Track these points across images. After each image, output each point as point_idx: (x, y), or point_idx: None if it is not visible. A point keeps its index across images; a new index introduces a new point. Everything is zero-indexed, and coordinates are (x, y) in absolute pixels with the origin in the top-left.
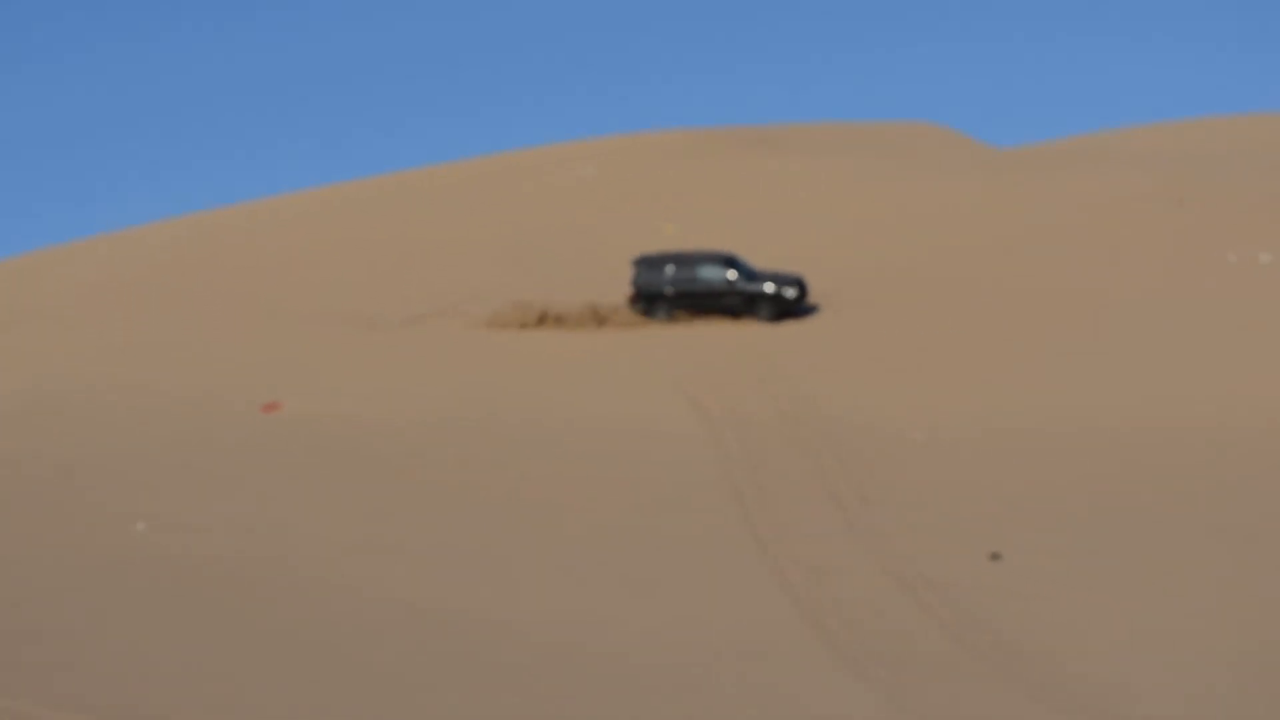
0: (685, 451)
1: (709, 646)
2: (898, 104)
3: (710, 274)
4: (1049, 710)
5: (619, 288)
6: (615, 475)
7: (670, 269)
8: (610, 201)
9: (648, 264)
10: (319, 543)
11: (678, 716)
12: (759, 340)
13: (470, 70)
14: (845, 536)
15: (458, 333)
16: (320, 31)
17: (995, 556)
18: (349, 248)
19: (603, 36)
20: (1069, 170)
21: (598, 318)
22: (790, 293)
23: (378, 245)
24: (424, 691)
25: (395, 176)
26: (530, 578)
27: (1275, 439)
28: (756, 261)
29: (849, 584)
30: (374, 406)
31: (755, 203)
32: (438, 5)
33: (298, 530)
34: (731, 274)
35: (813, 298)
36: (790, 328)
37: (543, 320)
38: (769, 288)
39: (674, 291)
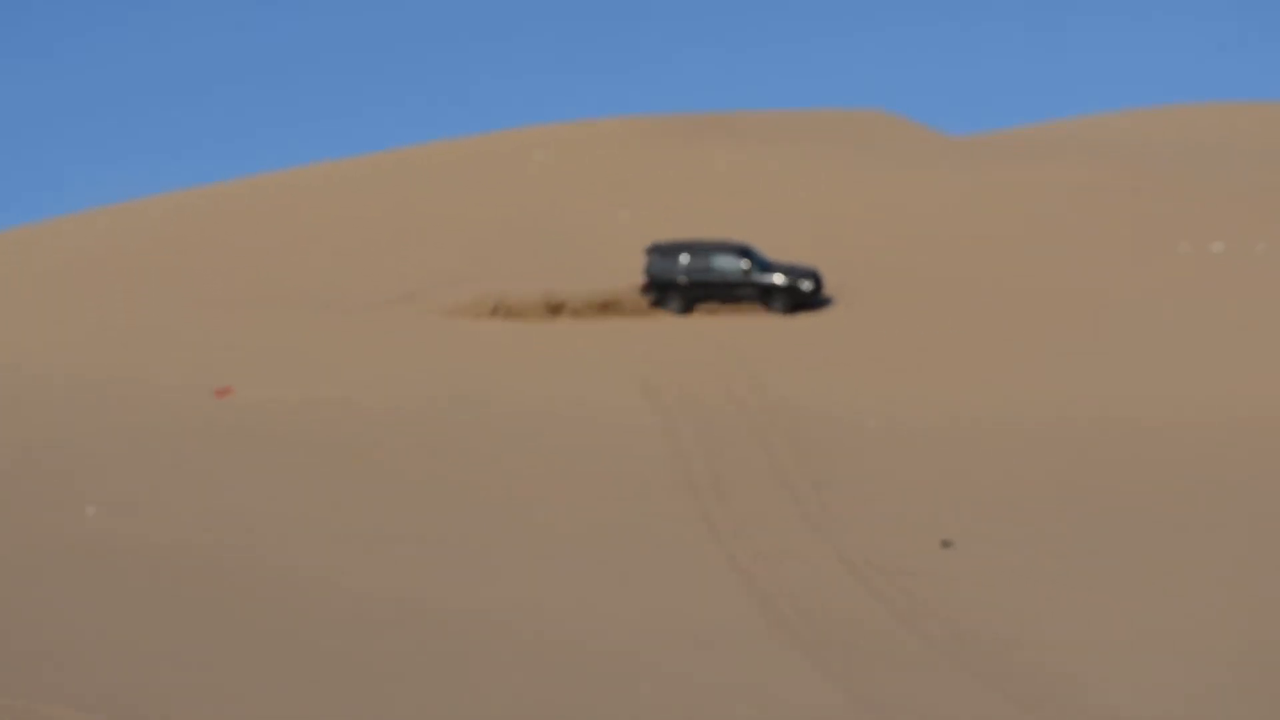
0: (642, 441)
1: (665, 634)
2: (847, 91)
3: (725, 264)
4: (1001, 697)
5: (575, 275)
6: (571, 465)
7: (685, 258)
8: (565, 188)
9: (661, 252)
10: (283, 530)
11: (633, 704)
12: (717, 331)
13: (428, 56)
14: (801, 525)
15: (416, 320)
16: (282, 20)
17: (947, 544)
18: (306, 233)
19: (559, 24)
20: (1027, 160)
21: (551, 307)
22: (806, 285)
23: (334, 231)
24: (383, 679)
25: (351, 162)
26: (485, 567)
27: (1231, 432)
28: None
29: (804, 572)
30: (331, 392)
31: (711, 190)
32: None
33: (261, 517)
34: (746, 264)
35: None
36: (747, 318)
37: (496, 311)
38: (784, 280)
39: (687, 281)
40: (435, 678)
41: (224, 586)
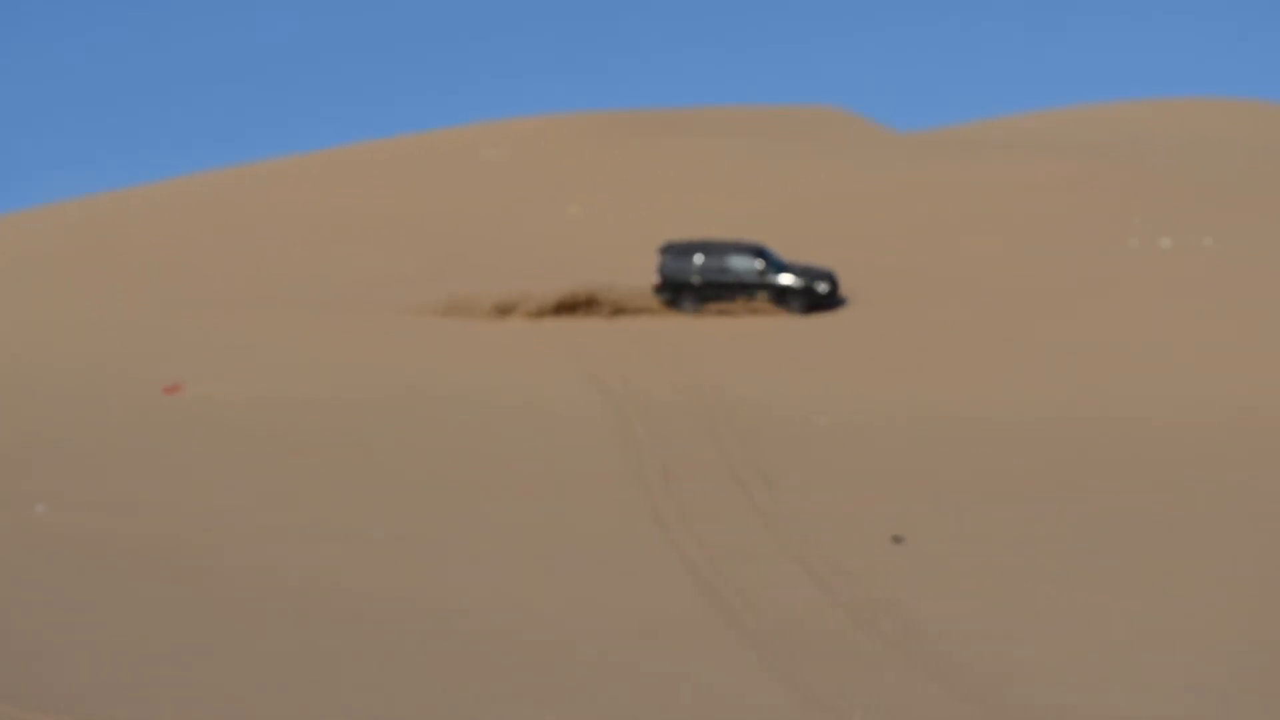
0: (591, 435)
1: (612, 628)
2: (800, 89)
3: (740, 264)
4: (950, 693)
5: (527, 271)
6: (521, 458)
7: (699, 258)
8: (517, 185)
9: (675, 252)
10: (222, 523)
11: (581, 697)
12: (669, 327)
13: (382, 52)
14: (749, 519)
15: (365, 316)
16: (236, 17)
17: (897, 539)
18: (254, 230)
19: (513, 19)
20: (976, 156)
21: (503, 308)
22: (822, 287)
23: (284, 228)
24: (327, 672)
25: (301, 158)
26: (436, 558)
27: (1169, 430)
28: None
29: (752, 566)
30: (280, 387)
31: (663, 185)
32: None
33: (212, 511)
34: (761, 265)
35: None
36: (703, 319)
37: (452, 309)
38: (800, 281)
39: (701, 281)
40: (385, 670)
41: (166, 579)
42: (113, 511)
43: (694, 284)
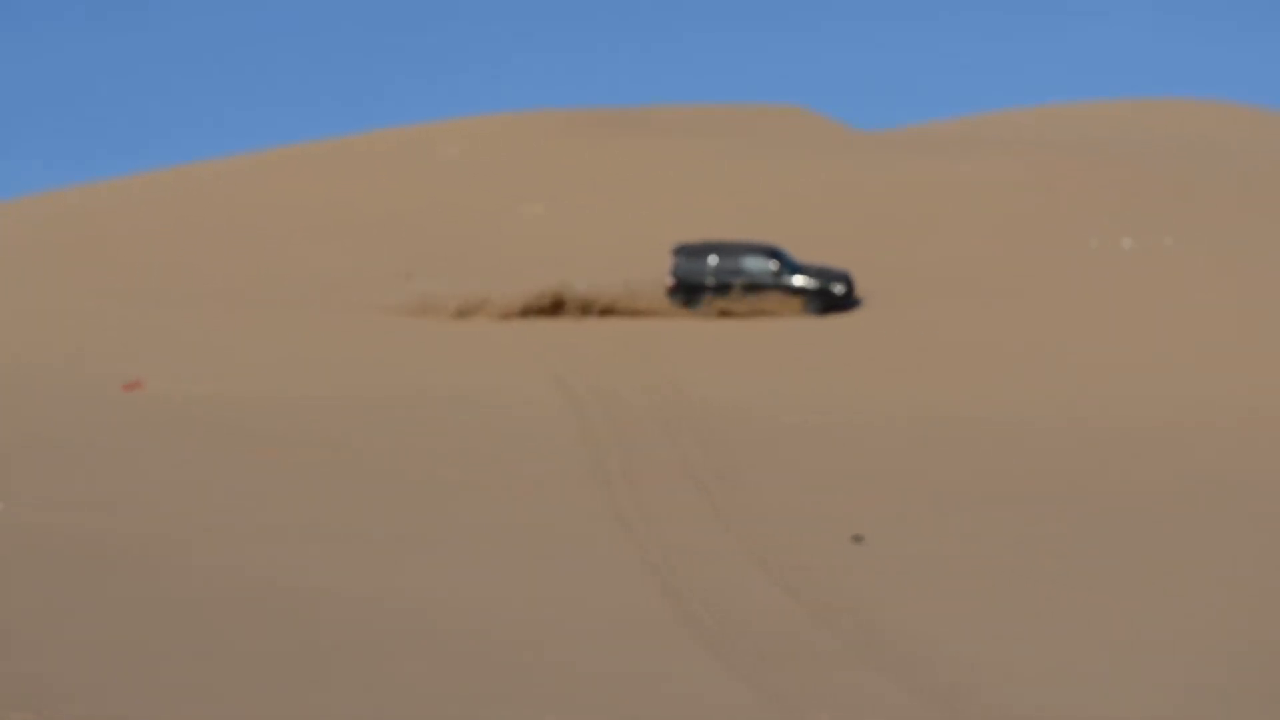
0: (553, 434)
1: (571, 628)
2: (766, 88)
3: (755, 266)
4: (910, 692)
5: (487, 269)
6: (480, 456)
7: (713, 259)
8: (479, 182)
9: (689, 253)
10: (201, 522)
11: (538, 697)
12: (634, 328)
13: (339, 48)
14: (711, 519)
15: (330, 314)
16: (194, 10)
17: (858, 539)
18: (213, 226)
19: (473, 15)
20: (939, 154)
21: (468, 308)
22: (838, 289)
23: (242, 225)
24: (286, 670)
25: (257, 156)
26: (396, 556)
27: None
28: (628, 244)
29: (713, 566)
30: (246, 385)
31: (626, 184)
32: None
33: (181, 509)
34: (775, 266)
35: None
36: (662, 316)
37: (416, 308)
38: (815, 282)
39: (716, 283)
40: (345, 670)
41: (137, 577)
42: (82, 510)
43: (709, 285)
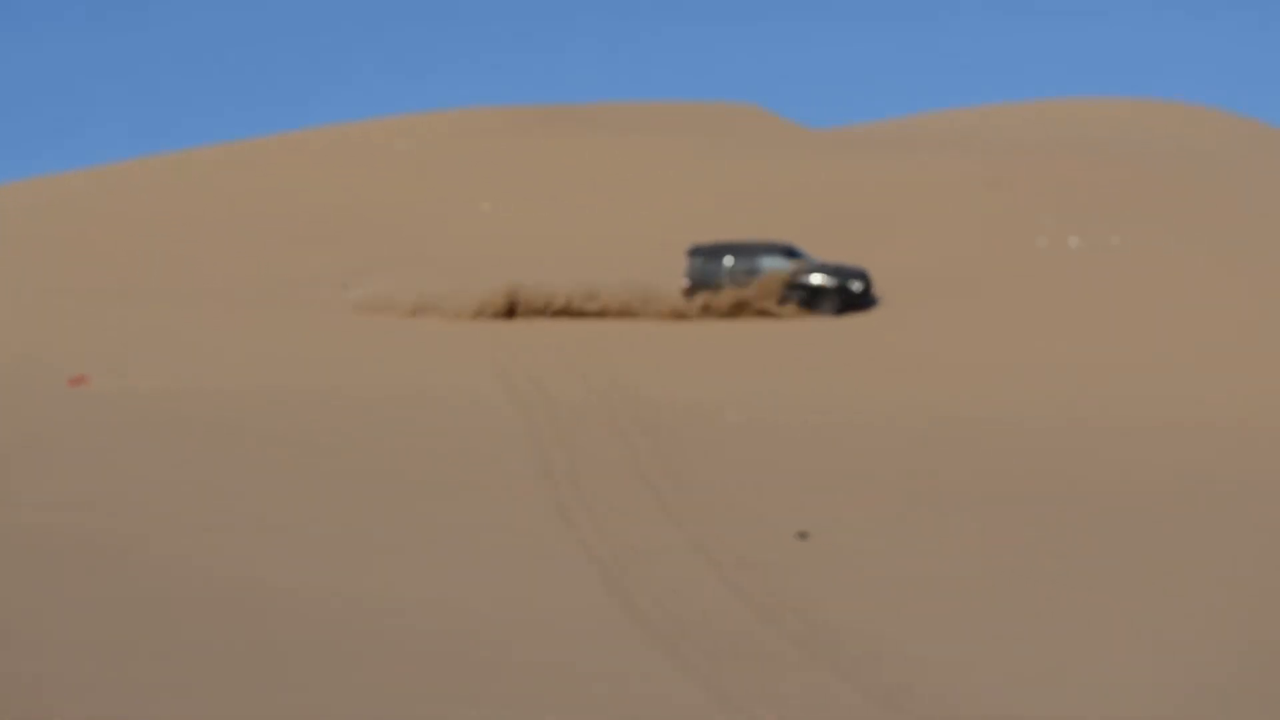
0: (499, 432)
1: (517, 625)
2: (717, 85)
3: (772, 265)
4: (860, 693)
5: (440, 267)
6: (427, 455)
7: (729, 260)
8: (429, 179)
9: (704, 254)
10: (158, 516)
11: (484, 695)
12: (581, 327)
13: (290, 43)
14: (657, 516)
15: (282, 311)
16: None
17: (803, 536)
18: (161, 222)
19: (424, 12)
20: (886, 152)
21: (420, 307)
22: (856, 286)
23: (190, 220)
24: (237, 669)
25: (204, 150)
26: (339, 555)
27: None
28: (579, 242)
29: (660, 563)
30: (189, 380)
31: (575, 182)
32: None
33: (138, 504)
34: (793, 265)
35: (631, 281)
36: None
37: (368, 306)
38: (833, 281)
39: (732, 284)
40: (308, 669)
41: (93, 573)
42: (40, 508)
43: (725, 287)
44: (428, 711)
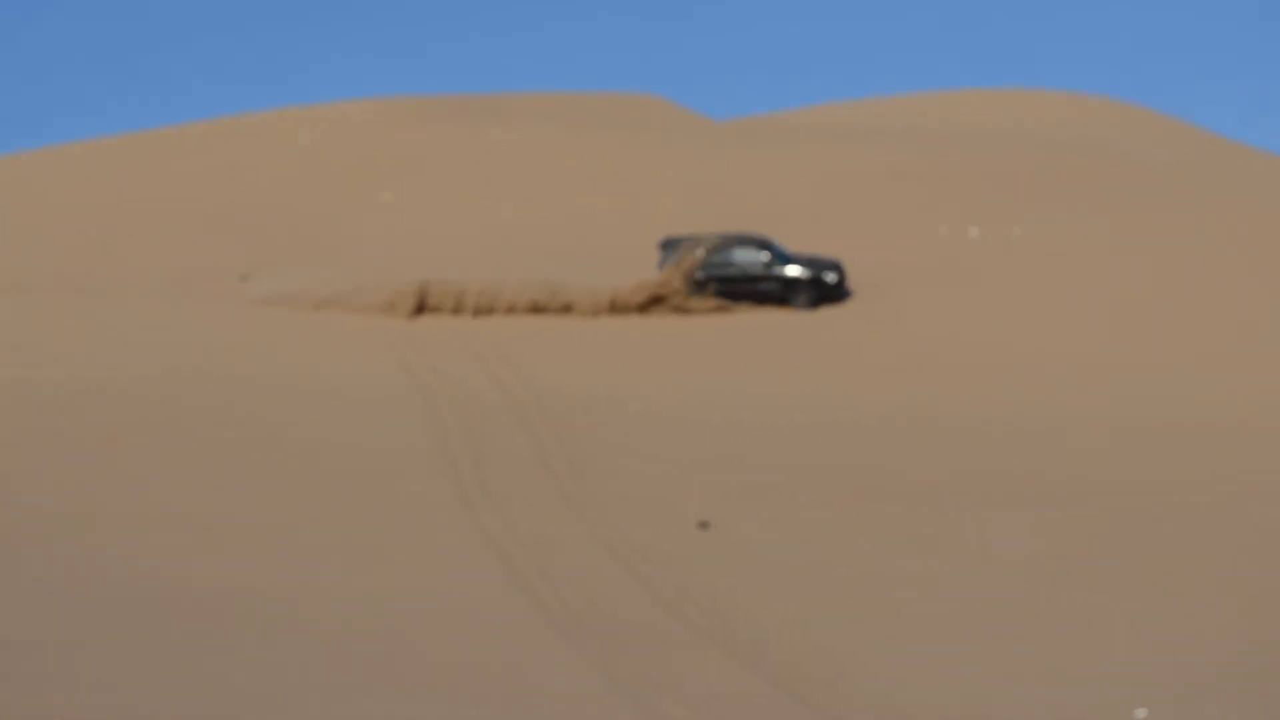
0: (400, 421)
1: (419, 614)
2: (621, 76)
3: (745, 257)
4: (762, 680)
5: (342, 259)
6: (327, 443)
7: (699, 253)
8: (331, 169)
9: (676, 247)
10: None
11: (386, 685)
12: (484, 320)
13: (186, 32)
14: (559, 506)
15: (184, 303)
16: None
17: (704, 525)
18: (59, 215)
19: (328, 2)
20: (788, 143)
21: (326, 301)
22: (830, 277)
23: (87, 213)
24: (123, 660)
25: (103, 142)
26: (239, 543)
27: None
28: (482, 233)
29: (561, 553)
30: (81, 371)
31: (479, 172)
32: None
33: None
34: (767, 257)
35: (536, 274)
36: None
37: (272, 299)
38: (807, 272)
39: (705, 277)
40: (202, 660)
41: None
42: None
43: (698, 280)
44: (325, 701)
